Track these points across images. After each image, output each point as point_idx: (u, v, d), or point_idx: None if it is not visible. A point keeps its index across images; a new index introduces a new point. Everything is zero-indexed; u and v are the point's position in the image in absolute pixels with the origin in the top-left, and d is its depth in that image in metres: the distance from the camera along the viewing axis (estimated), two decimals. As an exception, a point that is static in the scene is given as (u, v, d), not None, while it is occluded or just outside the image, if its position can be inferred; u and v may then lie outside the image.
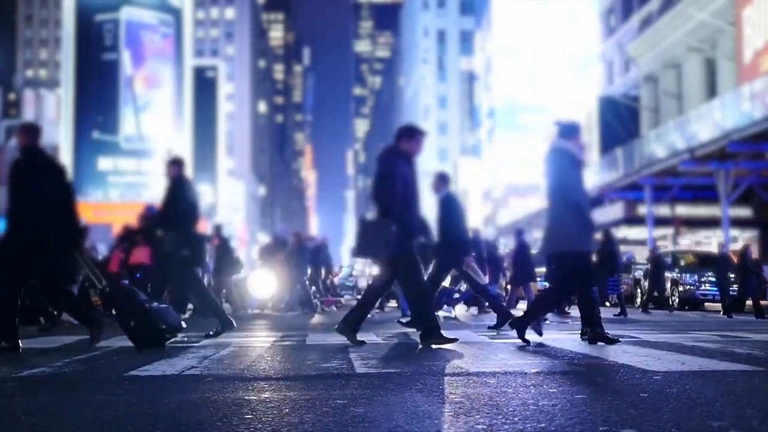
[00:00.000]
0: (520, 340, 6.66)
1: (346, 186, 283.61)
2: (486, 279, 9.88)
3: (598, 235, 20.79)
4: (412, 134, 6.76)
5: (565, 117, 7.50)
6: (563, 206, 6.62)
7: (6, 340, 6.61)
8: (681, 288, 19.52)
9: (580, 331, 7.24)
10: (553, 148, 6.88)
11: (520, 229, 16.88)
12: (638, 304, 19.58)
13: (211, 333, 7.93)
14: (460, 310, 15.33)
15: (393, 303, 18.51)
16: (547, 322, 10.85)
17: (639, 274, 21.03)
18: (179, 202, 8.35)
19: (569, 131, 6.89)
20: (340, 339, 7.60)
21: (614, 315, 14.15)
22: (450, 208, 9.19)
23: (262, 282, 17.62)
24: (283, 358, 5.74)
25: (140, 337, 6.63)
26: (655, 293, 18.62)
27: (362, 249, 6.74)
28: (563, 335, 7.80)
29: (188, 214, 8.35)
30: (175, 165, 8.60)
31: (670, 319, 12.71)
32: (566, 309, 15.31)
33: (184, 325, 7.17)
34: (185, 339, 7.68)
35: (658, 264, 18.58)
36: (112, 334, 7.52)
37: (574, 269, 6.67)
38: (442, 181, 9.38)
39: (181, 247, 8.08)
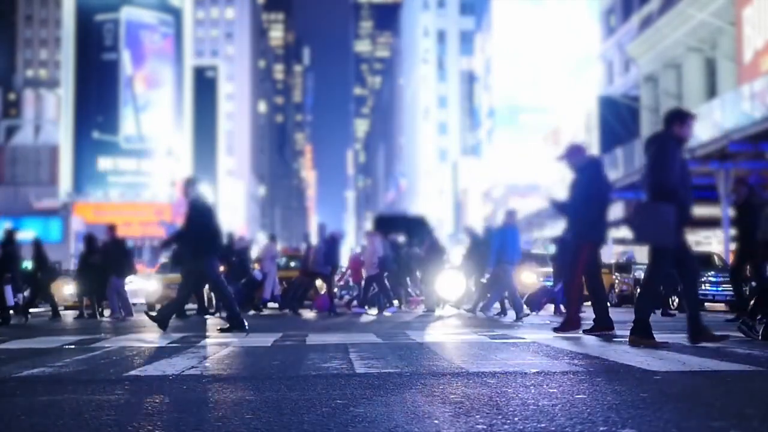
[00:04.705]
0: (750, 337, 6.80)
1: (346, 186, 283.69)
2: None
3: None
4: (683, 118, 6.62)
5: None
6: None
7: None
8: (679, 288, 19.47)
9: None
10: None
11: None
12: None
13: None
14: (450, 310, 15.27)
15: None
16: (548, 322, 10.88)
17: (639, 274, 21.00)
18: None
19: None
20: (340, 339, 7.58)
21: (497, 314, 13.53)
22: (199, 212, 9.15)
23: (451, 282, 16.82)
24: (283, 358, 5.74)
25: None
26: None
27: (643, 235, 6.56)
28: (563, 335, 7.79)
29: None
30: None
31: (670, 319, 12.70)
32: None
33: None
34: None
35: None
36: (112, 335, 7.52)
37: None
38: (189, 185, 9.40)
39: None
